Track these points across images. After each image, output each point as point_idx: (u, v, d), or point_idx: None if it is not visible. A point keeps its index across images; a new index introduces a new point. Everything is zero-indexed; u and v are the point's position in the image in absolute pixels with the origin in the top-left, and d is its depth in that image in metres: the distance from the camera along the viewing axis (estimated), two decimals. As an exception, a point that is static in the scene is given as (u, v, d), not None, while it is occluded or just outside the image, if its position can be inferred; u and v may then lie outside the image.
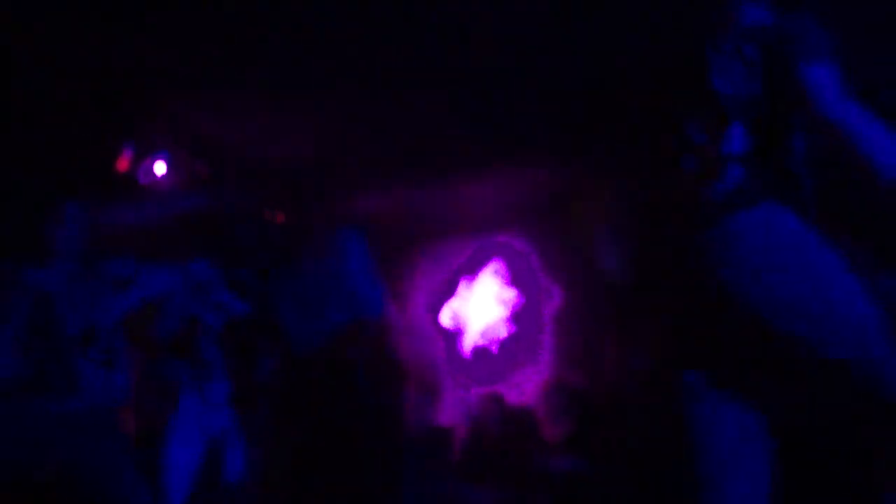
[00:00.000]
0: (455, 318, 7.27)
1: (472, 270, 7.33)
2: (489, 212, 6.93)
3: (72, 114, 5.38)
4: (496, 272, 7.22)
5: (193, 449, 4.59)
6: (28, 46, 4.97)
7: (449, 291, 7.36)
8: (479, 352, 7.18)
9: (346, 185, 6.45)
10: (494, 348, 7.11)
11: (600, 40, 4.67)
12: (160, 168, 5.80)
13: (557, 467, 5.67)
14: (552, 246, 6.88)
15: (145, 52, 5.04)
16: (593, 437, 5.73)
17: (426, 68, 5.19)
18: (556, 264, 6.92)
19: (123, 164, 5.62)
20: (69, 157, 5.62)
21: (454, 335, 7.26)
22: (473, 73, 5.17)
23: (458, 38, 4.89)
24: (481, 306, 7.20)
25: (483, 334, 7.17)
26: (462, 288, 7.33)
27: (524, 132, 5.79)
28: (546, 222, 6.79)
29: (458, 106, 5.53)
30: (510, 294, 7.14)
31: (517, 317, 7.10)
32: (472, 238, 7.29)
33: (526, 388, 6.71)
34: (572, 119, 5.63)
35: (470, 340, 7.21)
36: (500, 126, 5.76)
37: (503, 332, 7.12)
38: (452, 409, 6.86)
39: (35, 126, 5.36)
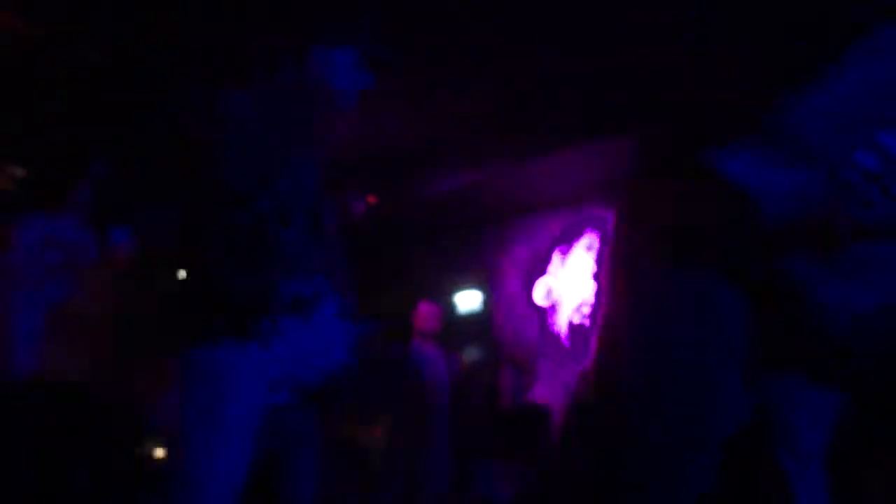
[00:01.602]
0: (549, 294, 7.18)
1: (565, 245, 7.23)
2: (582, 184, 6.84)
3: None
4: (590, 246, 7.12)
5: None
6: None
7: (542, 267, 7.27)
8: (575, 328, 7.08)
9: (439, 164, 6.41)
10: (590, 324, 7.01)
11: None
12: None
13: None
14: (650, 218, 6.74)
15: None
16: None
17: (516, 41, 5.15)
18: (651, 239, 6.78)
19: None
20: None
21: (549, 312, 7.17)
22: (565, 43, 5.12)
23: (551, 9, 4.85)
24: (575, 281, 7.10)
25: (578, 310, 7.07)
26: (555, 263, 7.24)
27: (616, 104, 5.73)
28: (646, 192, 6.66)
29: (549, 78, 5.48)
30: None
31: (612, 292, 6.96)
32: (565, 212, 7.18)
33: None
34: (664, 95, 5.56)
35: (564, 317, 7.12)
36: (591, 97, 5.70)
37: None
38: (549, 388, 6.78)
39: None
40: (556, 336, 7.09)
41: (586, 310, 6.99)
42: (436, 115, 5.91)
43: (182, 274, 2.79)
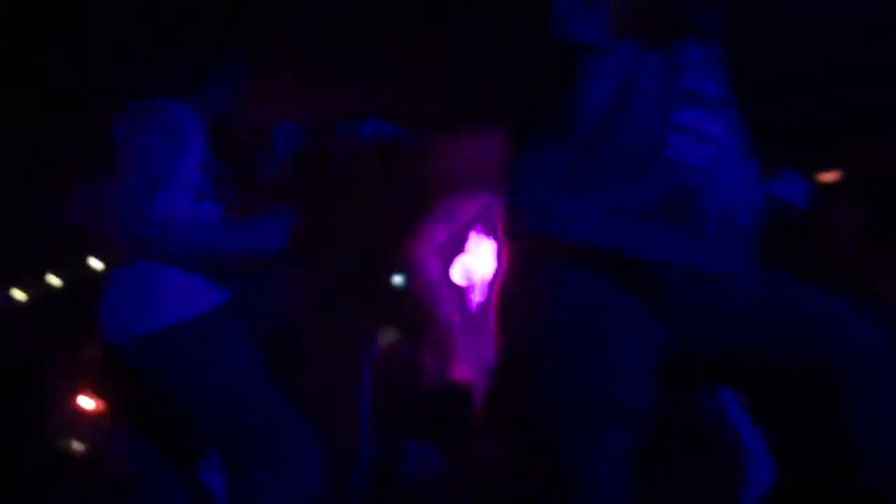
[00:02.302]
0: (468, 274, 7.19)
1: (484, 225, 7.23)
2: (498, 165, 6.84)
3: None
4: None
5: None
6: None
7: (461, 247, 7.26)
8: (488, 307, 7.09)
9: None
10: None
11: None
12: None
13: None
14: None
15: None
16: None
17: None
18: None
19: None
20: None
21: (467, 291, 7.17)
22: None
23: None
24: (493, 262, 7.11)
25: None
26: (473, 243, 7.24)
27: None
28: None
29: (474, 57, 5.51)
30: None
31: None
32: (483, 193, 7.18)
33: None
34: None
35: (482, 296, 7.13)
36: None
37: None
38: (471, 367, 6.78)
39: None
40: (476, 315, 7.09)
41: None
42: (362, 90, 5.92)
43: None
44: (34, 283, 8.92)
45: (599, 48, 2.11)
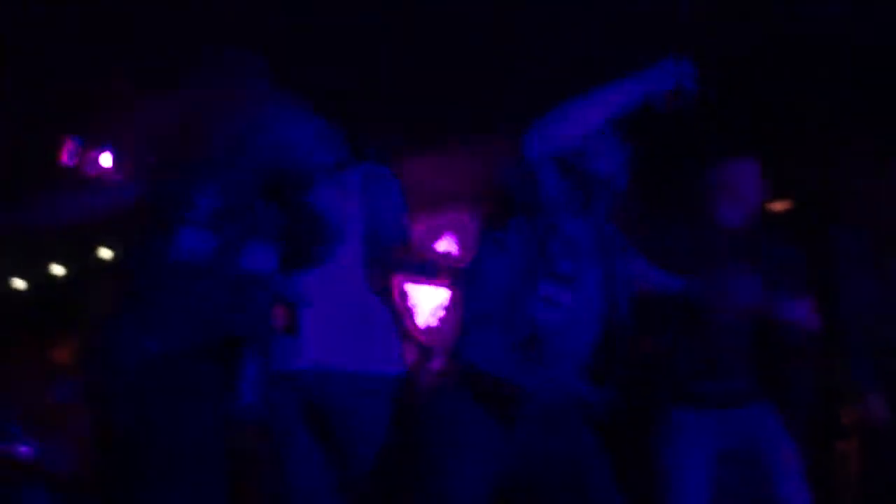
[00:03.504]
0: (406, 295, 7.33)
1: (427, 242, 7.36)
2: (444, 188, 6.97)
3: (16, 106, 5.53)
4: (449, 247, 7.27)
5: None
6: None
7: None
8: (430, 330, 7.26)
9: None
10: (444, 321, 7.19)
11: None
12: (107, 160, 5.94)
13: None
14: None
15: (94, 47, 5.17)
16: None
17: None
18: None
19: (66, 156, 5.77)
20: (10, 148, 5.79)
21: (407, 313, 7.32)
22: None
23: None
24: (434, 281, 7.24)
25: (435, 308, 7.25)
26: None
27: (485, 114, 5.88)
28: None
29: (424, 82, 5.62)
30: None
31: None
32: (425, 215, 7.29)
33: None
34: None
35: (422, 312, 7.28)
36: (461, 106, 5.84)
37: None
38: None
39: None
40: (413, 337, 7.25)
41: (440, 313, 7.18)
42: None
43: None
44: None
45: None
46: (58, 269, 9.17)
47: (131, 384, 2.59)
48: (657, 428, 3.57)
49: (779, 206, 6.04)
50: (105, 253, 8.40)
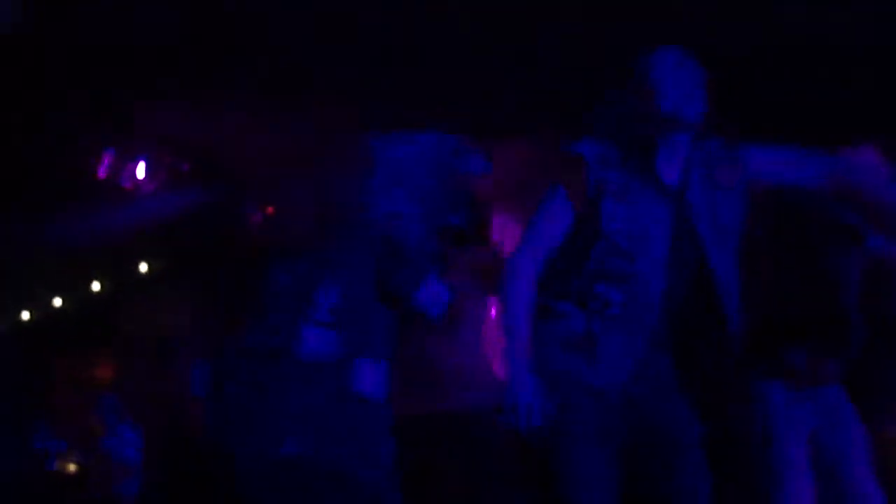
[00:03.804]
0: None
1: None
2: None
3: (50, 122, 5.52)
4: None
5: None
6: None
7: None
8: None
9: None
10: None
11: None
12: (141, 171, 5.93)
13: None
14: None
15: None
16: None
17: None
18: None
19: (104, 170, 5.76)
20: (52, 166, 5.79)
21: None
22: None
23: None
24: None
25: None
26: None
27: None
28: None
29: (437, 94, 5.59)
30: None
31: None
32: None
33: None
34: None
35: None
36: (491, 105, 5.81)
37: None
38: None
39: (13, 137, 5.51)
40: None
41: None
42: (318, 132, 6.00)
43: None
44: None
45: None
46: (95, 286, 9.13)
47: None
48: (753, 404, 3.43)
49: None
50: (143, 267, 8.38)
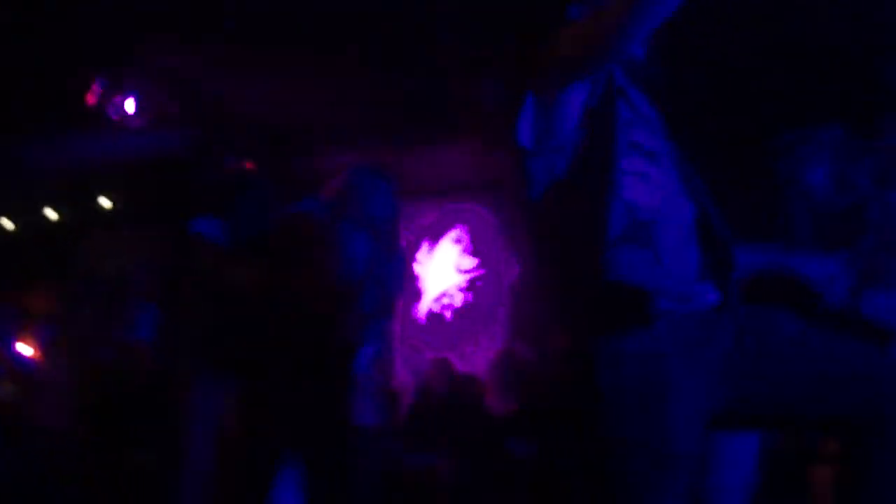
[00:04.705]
0: (415, 281, 7.32)
1: (435, 234, 7.36)
2: (458, 177, 6.96)
3: (45, 44, 5.45)
4: (458, 239, 7.26)
5: None
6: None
7: (410, 252, 7.40)
8: (434, 317, 7.24)
9: (322, 141, 6.49)
10: (449, 315, 7.17)
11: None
12: (130, 105, 5.88)
13: (510, 448, 5.72)
14: (517, 218, 6.89)
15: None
16: (540, 412, 5.78)
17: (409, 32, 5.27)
18: (518, 237, 6.95)
19: (93, 98, 5.70)
20: (40, 87, 5.72)
21: (412, 296, 7.31)
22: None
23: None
24: (440, 271, 7.25)
25: (439, 299, 7.23)
26: (423, 250, 7.37)
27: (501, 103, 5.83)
28: (512, 196, 6.79)
29: (438, 70, 5.59)
30: (470, 262, 7.18)
31: (475, 286, 7.16)
32: (439, 202, 7.31)
33: (476, 357, 6.77)
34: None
35: (426, 304, 7.27)
36: (478, 95, 5.79)
37: (459, 300, 7.17)
38: (402, 371, 6.93)
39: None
40: (416, 323, 7.24)
41: (447, 300, 7.15)
42: (319, 93, 5.99)
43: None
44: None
45: None
46: (51, 214, 8.92)
47: None
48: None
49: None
50: (105, 202, 8.22)
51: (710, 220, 2.38)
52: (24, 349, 7.25)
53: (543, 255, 2.52)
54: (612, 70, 2.33)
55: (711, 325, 2.32)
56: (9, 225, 9.15)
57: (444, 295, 7.23)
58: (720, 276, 2.37)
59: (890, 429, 2.21)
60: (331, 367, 4.16)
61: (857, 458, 2.26)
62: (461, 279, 7.21)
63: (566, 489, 5.45)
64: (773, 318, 2.39)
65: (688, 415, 2.26)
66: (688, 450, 2.28)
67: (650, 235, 2.26)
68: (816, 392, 2.28)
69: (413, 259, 7.36)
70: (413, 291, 7.29)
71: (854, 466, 2.27)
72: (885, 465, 2.22)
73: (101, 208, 8.18)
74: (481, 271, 7.16)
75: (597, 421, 2.35)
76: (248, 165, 6.40)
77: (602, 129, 2.31)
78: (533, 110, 2.34)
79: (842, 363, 2.29)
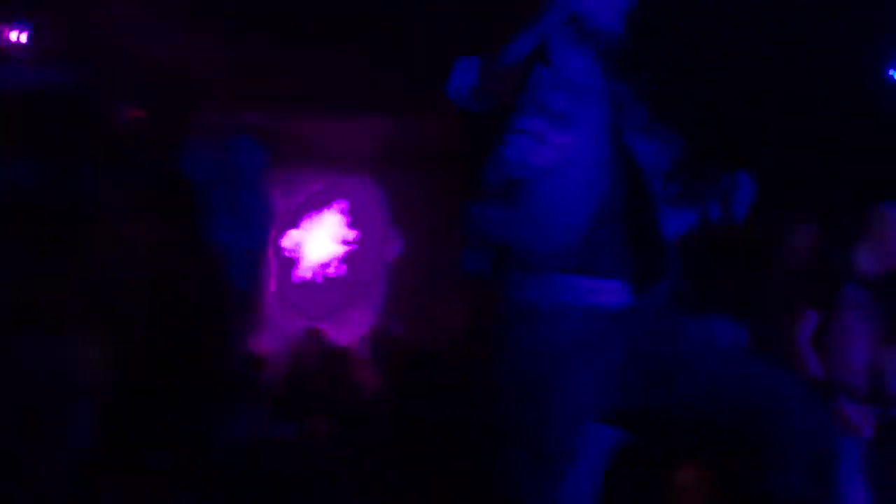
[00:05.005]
0: (293, 247, 7.23)
1: (318, 204, 7.29)
2: (348, 150, 6.91)
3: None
4: (343, 210, 7.22)
5: None
6: None
7: (292, 220, 7.30)
8: (311, 286, 7.17)
9: (219, 97, 6.35)
10: (326, 285, 7.11)
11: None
12: (20, 36, 5.63)
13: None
14: (401, 195, 6.93)
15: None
16: (410, 388, 5.79)
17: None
18: (401, 214, 6.98)
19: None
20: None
21: (289, 264, 7.21)
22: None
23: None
24: (321, 241, 7.19)
25: (317, 269, 7.16)
26: (305, 219, 7.28)
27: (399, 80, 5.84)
28: (402, 171, 6.83)
29: (340, 43, 5.55)
30: (352, 234, 7.15)
31: (353, 258, 7.14)
32: (329, 170, 7.23)
33: (350, 329, 6.73)
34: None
35: (303, 273, 7.19)
36: (377, 69, 5.79)
37: (338, 271, 7.13)
38: (273, 339, 6.82)
39: None
40: (292, 289, 7.15)
41: (325, 270, 7.11)
42: (231, 51, 5.88)
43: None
44: None
45: None
46: None
47: None
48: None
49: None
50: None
51: (646, 222, 2.38)
52: None
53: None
54: (547, 33, 2.31)
55: (614, 325, 2.32)
56: None
57: (323, 265, 7.17)
58: (641, 278, 2.37)
59: (776, 446, 2.24)
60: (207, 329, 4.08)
61: (737, 470, 2.31)
62: (341, 250, 7.17)
63: (436, 467, 5.48)
64: (679, 325, 2.41)
65: (573, 410, 2.27)
66: (568, 445, 2.28)
67: (524, 194, 2.25)
68: (710, 402, 2.30)
69: (295, 225, 7.26)
70: (290, 258, 7.19)
71: (733, 478, 2.32)
72: (767, 481, 2.24)
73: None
74: (362, 244, 7.12)
75: (482, 404, 2.36)
76: (140, 114, 6.19)
77: (514, 87, 2.30)
78: (474, 68, 2.31)
79: (737, 378, 2.31)
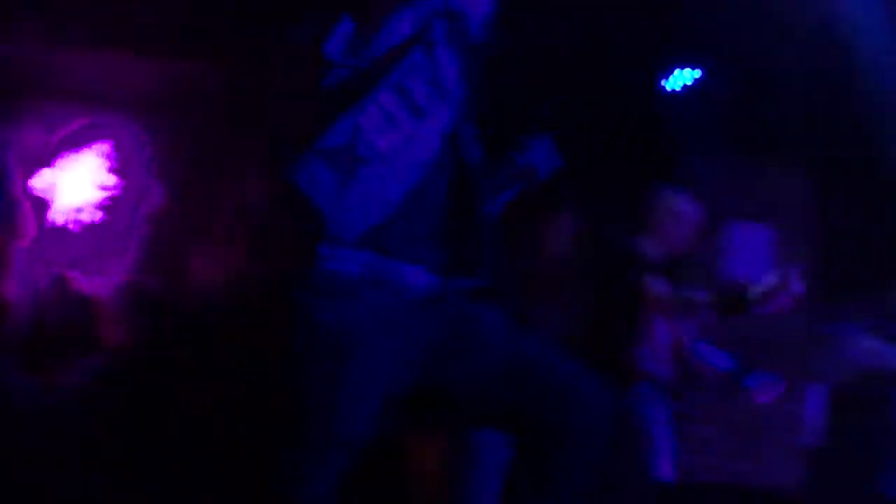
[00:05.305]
0: (46, 188, 6.86)
1: (76, 144, 6.95)
2: (111, 88, 6.62)
3: None
4: (101, 153, 6.91)
5: None
6: None
7: (47, 159, 6.92)
8: (62, 231, 6.84)
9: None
10: (78, 231, 6.81)
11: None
12: None
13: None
14: (167, 142, 6.72)
15: None
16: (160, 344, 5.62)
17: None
18: (165, 163, 6.77)
19: None
20: None
21: (41, 206, 6.85)
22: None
23: None
24: (77, 184, 6.86)
25: (71, 213, 6.84)
26: (61, 159, 6.93)
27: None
28: (168, 117, 6.62)
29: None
30: (109, 180, 6.87)
31: (111, 206, 6.86)
32: (86, 110, 6.90)
33: (101, 281, 6.47)
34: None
35: (56, 216, 6.85)
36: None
37: (92, 217, 6.84)
38: (19, 284, 6.47)
39: None
40: (41, 234, 6.80)
41: (79, 216, 6.80)
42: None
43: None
44: None
45: None
46: None
47: None
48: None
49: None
50: None
51: (468, 219, 2.47)
52: None
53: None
54: (433, 21, 2.38)
55: (417, 312, 2.39)
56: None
57: (76, 209, 6.84)
58: (452, 269, 2.46)
59: (566, 435, 2.37)
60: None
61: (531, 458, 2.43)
62: (98, 196, 6.86)
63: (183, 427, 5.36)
64: (481, 317, 2.51)
65: (366, 395, 2.31)
66: (357, 429, 2.34)
67: (357, 169, 2.29)
68: (505, 394, 2.42)
69: (49, 165, 6.88)
70: (41, 200, 6.83)
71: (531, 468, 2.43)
72: (554, 458, 2.39)
73: None
74: (120, 191, 6.85)
75: (275, 369, 2.39)
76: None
77: (389, 62, 2.35)
78: (351, 28, 2.38)
79: (535, 370, 2.43)
